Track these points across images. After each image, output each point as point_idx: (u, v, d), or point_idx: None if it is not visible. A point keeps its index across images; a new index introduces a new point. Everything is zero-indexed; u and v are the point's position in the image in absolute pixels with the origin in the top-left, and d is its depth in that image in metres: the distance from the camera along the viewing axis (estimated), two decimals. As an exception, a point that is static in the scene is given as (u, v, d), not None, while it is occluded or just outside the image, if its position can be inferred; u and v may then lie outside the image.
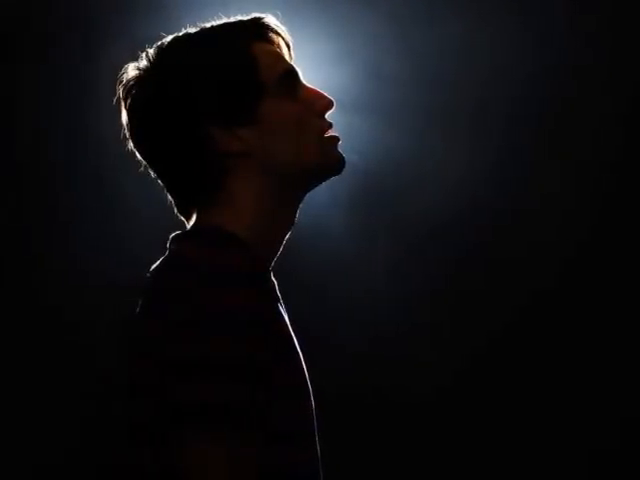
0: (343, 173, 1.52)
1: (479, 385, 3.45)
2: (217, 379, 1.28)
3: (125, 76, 1.49)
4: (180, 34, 1.50)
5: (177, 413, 1.30)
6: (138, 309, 1.43)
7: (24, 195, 3.43)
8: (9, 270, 3.41)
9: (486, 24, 3.40)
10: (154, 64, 1.48)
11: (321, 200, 3.17)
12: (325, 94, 1.50)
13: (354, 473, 3.32)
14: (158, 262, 1.45)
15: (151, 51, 1.49)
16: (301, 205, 1.51)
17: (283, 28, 1.52)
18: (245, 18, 1.51)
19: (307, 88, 1.50)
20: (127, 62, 1.50)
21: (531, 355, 3.47)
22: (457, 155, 3.46)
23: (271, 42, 1.50)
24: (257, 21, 1.50)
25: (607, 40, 3.42)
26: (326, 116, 1.50)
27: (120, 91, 1.50)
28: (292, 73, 1.49)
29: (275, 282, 1.47)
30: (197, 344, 1.30)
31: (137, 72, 1.49)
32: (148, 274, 1.45)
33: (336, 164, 1.50)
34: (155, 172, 1.51)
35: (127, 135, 1.51)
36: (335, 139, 1.50)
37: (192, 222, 1.49)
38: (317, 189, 1.52)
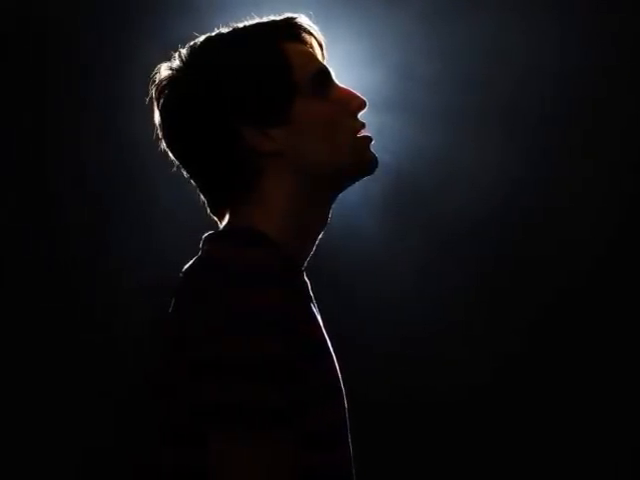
0: (375, 173, 1.51)
1: (509, 385, 3.44)
2: (230, 379, 1.28)
3: (158, 76, 1.49)
4: (213, 34, 1.50)
5: (191, 413, 1.31)
6: (170, 309, 1.43)
7: (56, 197, 3.44)
8: (40, 271, 3.42)
9: (516, 24, 3.39)
10: (187, 64, 1.48)
11: (352, 200, 3.17)
12: (358, 94, 1.49)
13: (383, 474, 3.31)
14: (190, 262, 1.45)
15: (184, 51, 1.49)
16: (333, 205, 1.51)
17: (316, 28, 1.51)
18: (277, 18, 1.50)
19: (340, 88, 1.49)
20: (160, 62, 1.51)
21: (562, 353, 3.45)
22: (488, 154, 3.45)
23: (304, 42, 1.50)
24: (290, 21, 1.50)
25: (633, 40, 3.41)
26: (358, 116, 1.50)
27: (153, 91, 1.50)
28: (324, 73, 1.49)
29: (308, 282, 1.47)
30: (214, 344, 1.30)
31: (170, 72, 1.48)
32: (180, 274, 1.45)
33: (369, 164, 1.49)
34: (187, 172, 1.51)
35: (160, 135, 1.51)
36: (368, 139, 1.49)
37: (224, 222, 1.49)
38: (348, 188, 1.52)
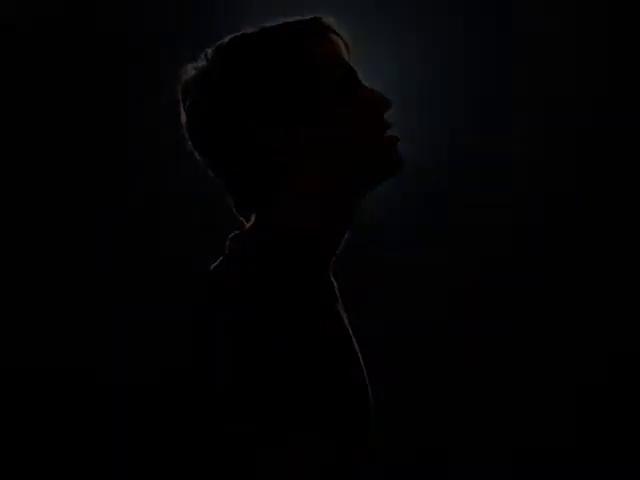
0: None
1: (536, 385, 3.44)
2: (242, 381, 1.29)
3: (184, 76, 1.50)
4: (239, 34, 1.49)
5: (211, 425, 1.32)
6: (196, 309, 1.43)
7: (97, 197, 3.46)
8: (77, 269, 3.44)
9: (547, 25, 3.40)
10: (213, 64, 1.48)
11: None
12: (384, 94, 1.49)
13: (411, 473, 3.32)
14: (216, 262, 1.46)
15: (210, 51, 1.49)
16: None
17: (342, 28, 1.52)
18: (304, 18, 1.50)
19: (366, 88, 1.49)
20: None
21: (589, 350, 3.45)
22: (508, 153, 3.46)
23: (330, 42, 1.49)
24: (316, 21, 1.49)
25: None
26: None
27: (179, 91, 1.50)
28: (351, 73, 1.48)
29: (335, 282, 1.46)
30: (231, 347, 1.30)
31: (196, 72, 1.49)
32: (205, 274, 1.45)
33: (396, 164, 1.48)
34: (214, 172, 1.50)
35: (186, 135, 1.51)
36: (394, 139, 1.48)
37: (250, 222, 1.49)
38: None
